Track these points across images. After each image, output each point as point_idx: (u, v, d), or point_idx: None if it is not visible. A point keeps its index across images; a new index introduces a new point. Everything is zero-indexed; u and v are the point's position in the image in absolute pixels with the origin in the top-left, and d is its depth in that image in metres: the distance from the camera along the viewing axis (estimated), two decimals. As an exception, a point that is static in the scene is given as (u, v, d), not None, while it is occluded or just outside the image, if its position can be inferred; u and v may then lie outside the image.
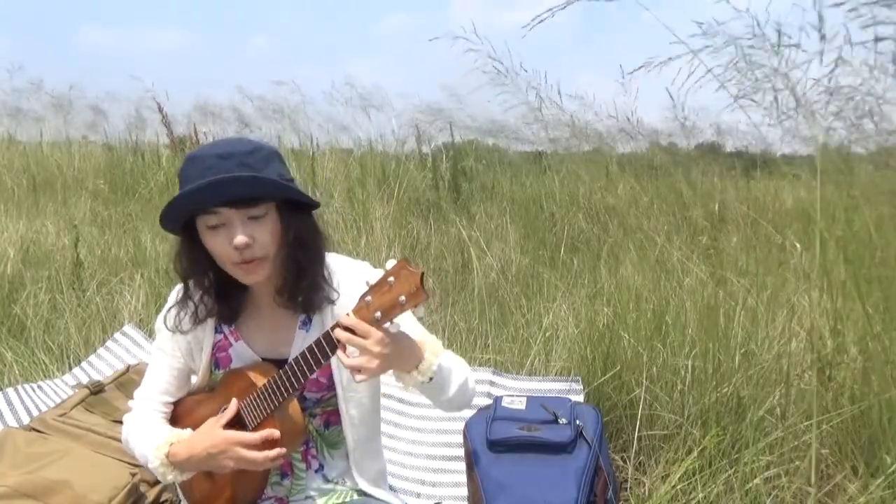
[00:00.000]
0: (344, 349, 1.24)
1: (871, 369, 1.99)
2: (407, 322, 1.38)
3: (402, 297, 1.18)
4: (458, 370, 1.38)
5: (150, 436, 1.45)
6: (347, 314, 1.24)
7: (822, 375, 2.07)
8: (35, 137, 7.08)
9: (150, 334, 2.75)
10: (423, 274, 1.17)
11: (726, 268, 2.87)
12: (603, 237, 4.08)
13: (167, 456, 1.38)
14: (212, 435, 1.36)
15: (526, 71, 4.54)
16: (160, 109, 6.23)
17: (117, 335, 2.69)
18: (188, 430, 1.42)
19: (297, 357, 1.32)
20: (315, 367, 1.31)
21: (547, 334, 2.68)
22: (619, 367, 2.30)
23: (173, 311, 1.47)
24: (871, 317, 2.07)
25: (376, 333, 1.21)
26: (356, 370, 1.22)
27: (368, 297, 1.22)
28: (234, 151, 1.30)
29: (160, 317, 1.54)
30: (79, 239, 3.51)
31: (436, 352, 1.32)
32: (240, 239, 1.30)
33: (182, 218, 1.35)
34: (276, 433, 1.34)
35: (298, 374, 1.32)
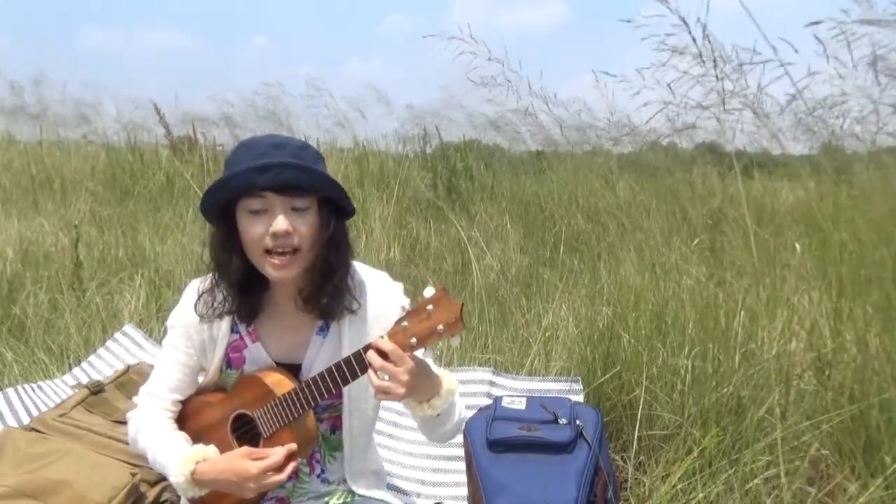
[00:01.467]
0: (375, 371, 1.24)
1: (870, 369, 1.99)
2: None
3: (441, 327, 1.20)
4: (458, 408, 1.42)
5: (170, 447, 1.43)
6: (382, 337, 1.25)
7: (821, 375, 2.07)
8: (34, 137, 7.07)
9: (151, 334, 2.76)
10: (462, 305, 1.19)
11: (726, 268, 2.86)
12: (602, 237, 4.08)
13: (192, 473, 1.36)
14: (239, 464, 1.34)
15: (519, 73, 4.59)
16: (157, 111, 6.23)
17: (117, 335, 2.69)
18: (212, 448, 1.40)
19: (322, 372, 1.32)
20: (342, 385, 1.31)
21: (547, 334, 2.68)
22: (618, 368, 2.30)
23: (203, 299, 1.45)
24: (870, 317, 2.07)
25: (408, 362, 1.23)
26: (382, 391, 1.23)
27: (405, 323, 1.23)
28: (287, 143, 1.34)
29: (173, 313, 1.52)
30: (79, 239, 3.51)
31: (451, 389, 1.34)
32: (281, 224, 1.31)
33: (224, 201, 1.35)
34: (294, 447, 1.34)
35: (323, 388, 1.32)
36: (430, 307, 1.20)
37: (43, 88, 7.42)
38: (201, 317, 1.45)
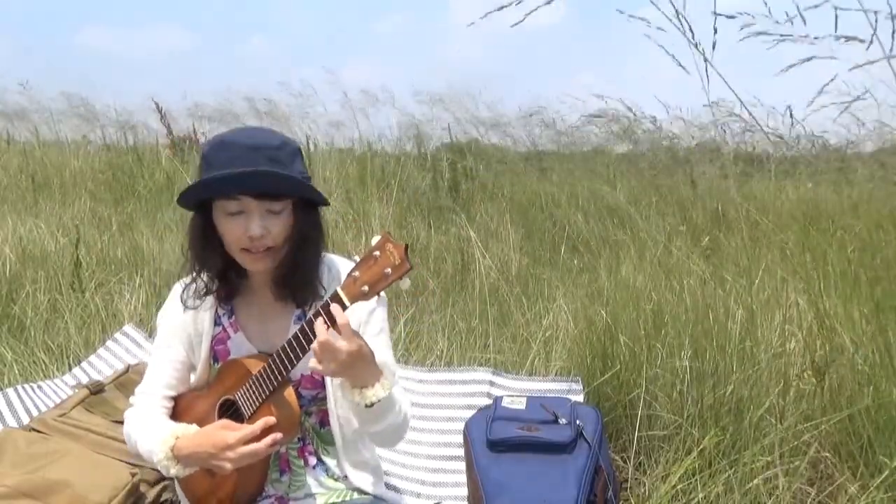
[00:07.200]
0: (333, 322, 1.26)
1: (869, 370, 1.99)
2: (378, 341, 1.43)
3: (388, 270, 1.21)
4: (398, 411, 1.40)
5: (154, 430, 1.45)
6: (336, 290, 1.26)
7: (820, 376, 2.07)
8: (33, 138, 7.07)
9: (151, 334, 2.76)
10: (407, 246, 1.21)
11: (726, 268, 2.86)
12: (603, 237, 4.08)
13: (172, 449, 1.39)
14: (216, 435, 1.35)
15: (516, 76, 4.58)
16: (159, 109, 6.24)
17: (117, 335, 2.69)
18: (194, 426, 1.42)
19: (288, 339, 1.34)
20: (307, 348, 1.32)
21: (547, 334, 2.68)
22: (618, 368, 2.30)
23: (186, 290, 1.51)
24: (869, 317, 2.07)
25: (352, 343, 1.25)
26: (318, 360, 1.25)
27: (356, 273, 1.25)
28: (264, 144, 1.35)
29: (161, 312, 1.57)
30: (79, 239, 3.51)
31: (385, 386, 1.33)
32: (256, 230, 1.35)
33: (201, 199, 1.39)
34: (272, 420, 1.35)
35: (291, 355, 1.34)
36: (376, 253, 1.23)
37: (43, 88, 7.42)
38: (185, 305, 1.50)
